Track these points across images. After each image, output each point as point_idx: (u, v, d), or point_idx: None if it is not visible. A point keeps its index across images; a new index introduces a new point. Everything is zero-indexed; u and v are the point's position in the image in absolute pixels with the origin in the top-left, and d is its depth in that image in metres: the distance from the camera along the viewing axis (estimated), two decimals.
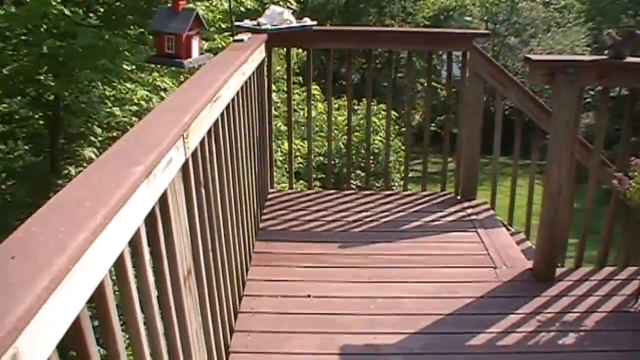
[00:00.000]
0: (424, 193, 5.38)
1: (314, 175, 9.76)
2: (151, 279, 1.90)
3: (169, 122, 2.16)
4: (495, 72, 4.93)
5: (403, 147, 12.51)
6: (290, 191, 5.45)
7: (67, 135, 8.77)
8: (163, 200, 2.00)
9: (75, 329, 1.35)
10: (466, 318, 3.62)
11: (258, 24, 4.67)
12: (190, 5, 6.10)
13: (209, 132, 2.68)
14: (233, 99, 3.32)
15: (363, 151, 12.05)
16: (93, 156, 8.28)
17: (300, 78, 11.39)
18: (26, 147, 9.38)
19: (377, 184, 12.00)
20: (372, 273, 4.07)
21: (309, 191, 5.45)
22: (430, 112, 5.82)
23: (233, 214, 3.38)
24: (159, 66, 7.71)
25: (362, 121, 12.12)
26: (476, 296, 3.83)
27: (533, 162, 4.84)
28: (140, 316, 1.80)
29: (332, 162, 10.42)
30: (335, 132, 11.90)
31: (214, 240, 2.85)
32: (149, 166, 1.78)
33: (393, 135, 13.72)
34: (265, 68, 4.76)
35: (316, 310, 3.63)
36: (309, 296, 3.77)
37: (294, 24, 4.83)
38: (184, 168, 2.26)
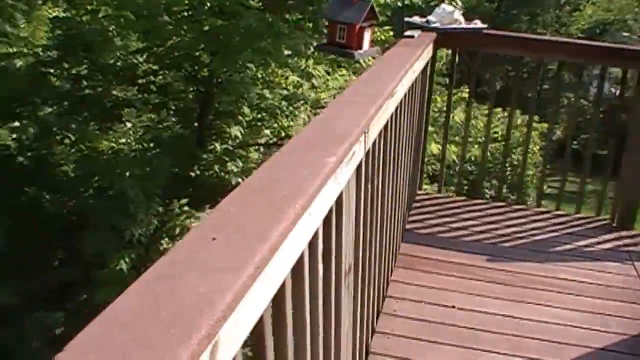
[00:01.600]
0: (578, 216, 5.11)
1: (447, 180, 9.64)
2: (320, 275, 1.84)
3: (354, 114, 2.10)
4: None
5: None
6: (438, 195, 5.31)
7: (216, 112, 8.97)
8: (340, 193, 1.94)
9: (260, 319, 1.29)
10: (618, 356, 3.39)
11: (427, 22, 4.56)
12: None
13: (382, 129, 2.60)
14: (402, 97, 3.23)
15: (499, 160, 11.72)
16: (239, 135, 8.44)
17: (446, 79, 11.17)
18: (174, 119, 9.67)
19: (511, 196, 11.65)
20: (520, 292, 3.89)
21: (458, 197, 5.30)
22: (575, 129, 5.51)
23: (387, 212, 3.30)
24: (314, 54, 7.73)
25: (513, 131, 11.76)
26: (630, 334, 3.58)
27: None
28: (308, 311, 1.74)
29: (469, 169, 10.12)
30: (481, 139, 11.58)
31: (370, 238, 2.78)
32: (340, 158, 1.72)
33: (536, 149, 13.29)
34: (429, 68, 4.65)
35: (460, 323, 3.50)
36: (453, 307, 3.64)
37: (463, 25, 4.68)
38: (360, 163, 2.19)
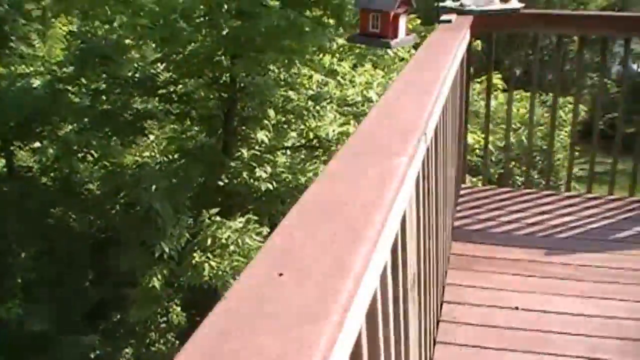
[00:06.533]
0: (632, 199, 4.80)
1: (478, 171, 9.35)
2: (391, 288, 1.58)
3: (413, 106, 1.84)
4: None
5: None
6: (482, 188, 5.03)
7: (240, 117, 8.76)
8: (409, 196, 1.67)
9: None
10: None
11: (461, 5, 4.28)
12: None
13: (438, 119, 2.34)
14: (450, 86, 2.96)
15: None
16: (265, 139, 8.22)
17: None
18: (197, 128, 9.48)
19: (543, 182, 11.35)
20: (585, 287, 3.59)
21: (503, 189, 5.01)
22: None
23: (439, 211, 3.03)
24: (340, 49, 7.47)
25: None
26: None
27: None
28: (381, 330, 1.48)
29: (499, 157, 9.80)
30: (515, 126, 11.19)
31: (428, 242, 2.51)
32: (411, 157, 1.45)
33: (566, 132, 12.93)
34: (466, 54, 4.36)
35: (526, 326, 3.22)
36: (516, 308, 3.36)
37: (500, 5, 4.40)
38: (422, 160, 1.92)
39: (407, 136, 1.54)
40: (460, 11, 4.18)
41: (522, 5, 4.45)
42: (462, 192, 4.74)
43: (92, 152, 8.93)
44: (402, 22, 3.35)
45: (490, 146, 8.47)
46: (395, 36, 3.32)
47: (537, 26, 4.73)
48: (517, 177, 12.41)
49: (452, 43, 3.07)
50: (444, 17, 3.90)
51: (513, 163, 11.33)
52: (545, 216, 4.45)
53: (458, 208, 4.49)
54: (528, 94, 11.99)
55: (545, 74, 17.73)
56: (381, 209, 1.16)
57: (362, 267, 0.98)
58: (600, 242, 4.14)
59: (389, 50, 3.85)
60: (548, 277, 3.70)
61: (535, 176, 12.27)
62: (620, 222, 4.43)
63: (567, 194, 4.93)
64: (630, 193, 4.88)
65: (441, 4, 4.26)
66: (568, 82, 17.72)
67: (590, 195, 4.88)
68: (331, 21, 7.54)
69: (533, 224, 4.34)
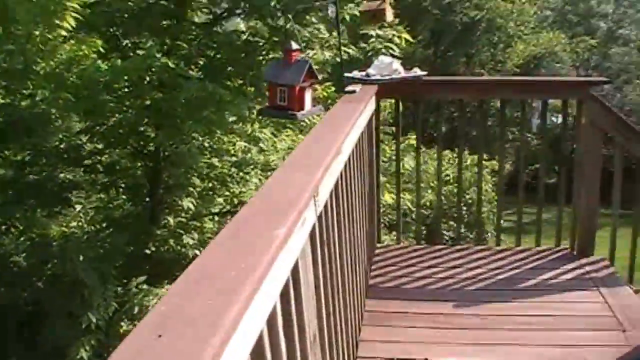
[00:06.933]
0: (538, 249, 5.10)
1: (406, 228, 9.66)
2: (284, 351, 1.74)
3: (301, 178, 2.03)
4: (616, 122, 4.65)
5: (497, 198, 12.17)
6: (397, 246, 5.25)
7: (166, 186, 8.86)
8: (295, 263, 1.86)
9: None
10: None
11: (367, 75, 4.55)
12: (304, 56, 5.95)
13: (332, 189, 2.54)
14: (350, 154, 3.19)
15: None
16: (192, 207, 8.33)
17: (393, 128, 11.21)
18: (124, 197, 9.52)
19: (470, 235, 11.80)
20: (493, 335, 3.82)
21: (417, 246, 5.25)
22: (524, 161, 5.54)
23: (348, 272, 3.22)
24: (260, 117, 7.70)
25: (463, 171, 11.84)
26: None
27: None
28: None
29: (425, 213, 10.11)
30: (434, 183, 11.60)
31: (334, 302, 2.69)
32: (290, 228, 1.64)
33: (488, 186, 13.41)
34: (374, 120, 4.63)
35: None
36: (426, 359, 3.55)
37: (403, 74, 4.69)
38: (313, 228, 2.12)
39: (288, 209, 1.72)
40: (366, 81, 4.45)
41: (425, 73, 4.76)
42: (377, 251, 4.96)
43: (17, 224, 8.88)
44: (308, 94, 3.56)
45: (409, 204, 8.83)
46: (302, 108, 3.53)
47: (439, 92, 5.05)
48: (445, 233, 12.76)
49: (351, 115, 3.30)
50: (349, 88, 4.16)
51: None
52: (456, 270, 4.70)
53: (374, 267, 4.69)
54: (446, 152, 12.58)
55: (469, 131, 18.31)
56: (254, 274, 1.34)
57: (232, 327, 1.16)
58: (507, 292, 4.39)
59: (305, 118, 4.13)
60: (457, 327, 3.91)
61: (462, 230, 12.65)
62: (526, 272, 4.71)
63: (477, 247, 5.19)
64: (556, 243, 5.17)
65: (348, 75, 4.53)
66: (489, 139, 18.45)
67: (499, 248, 5.16)
68: (252, 89, 7.81)
69: (444, 278, 4.57)
